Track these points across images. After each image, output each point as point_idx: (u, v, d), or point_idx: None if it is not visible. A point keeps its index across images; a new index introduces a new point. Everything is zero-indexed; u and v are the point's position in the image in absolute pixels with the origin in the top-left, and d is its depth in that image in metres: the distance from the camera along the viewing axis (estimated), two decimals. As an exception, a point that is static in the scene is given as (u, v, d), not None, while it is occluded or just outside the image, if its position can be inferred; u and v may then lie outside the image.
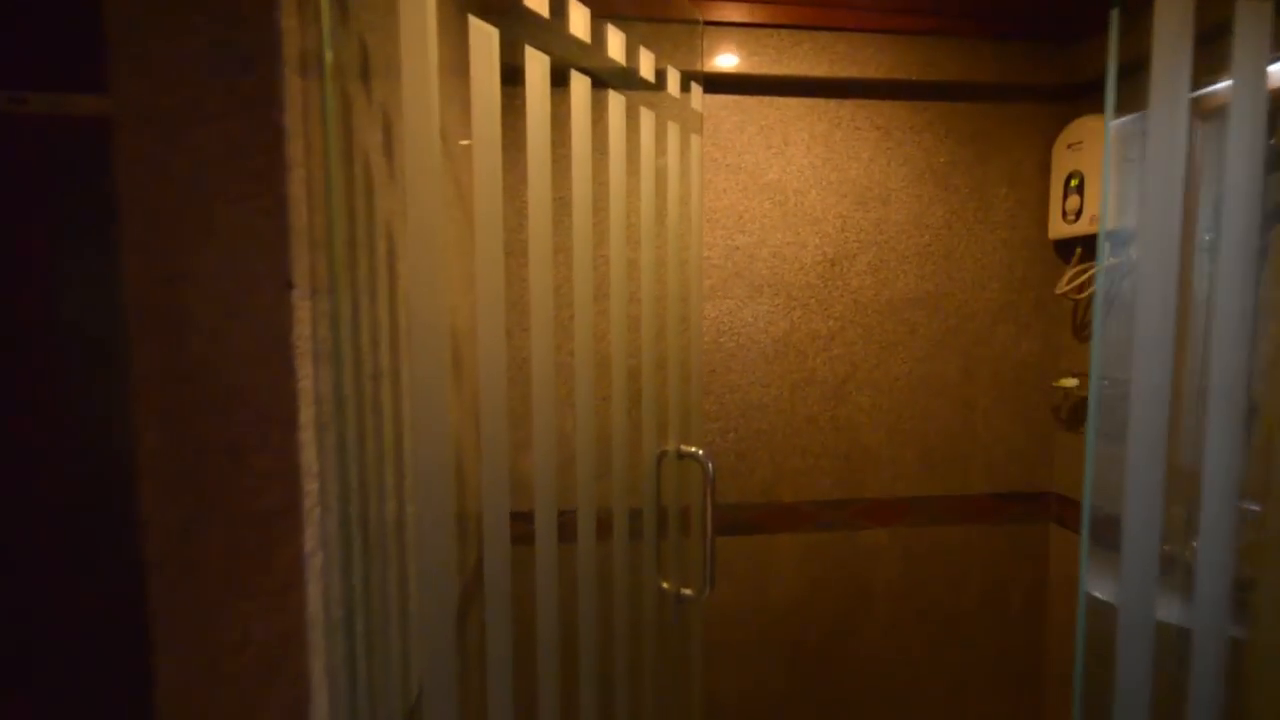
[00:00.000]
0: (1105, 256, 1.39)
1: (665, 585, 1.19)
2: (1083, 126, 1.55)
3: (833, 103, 1.62)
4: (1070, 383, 1.61)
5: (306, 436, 0.54)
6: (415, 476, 0.66)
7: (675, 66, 1.14)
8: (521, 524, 0.83)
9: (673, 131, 1.13)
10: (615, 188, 1.01)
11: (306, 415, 0.54)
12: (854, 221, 1.65)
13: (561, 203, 0.91)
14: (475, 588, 0.97)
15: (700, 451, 1.18)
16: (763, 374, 1.64)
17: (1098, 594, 0.91)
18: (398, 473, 0.80)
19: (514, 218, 1.47)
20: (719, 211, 1.61)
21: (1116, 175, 1.50)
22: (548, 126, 0.82)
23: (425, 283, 0.65)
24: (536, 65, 0.80)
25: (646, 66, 1.03)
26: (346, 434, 0.62)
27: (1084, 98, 1.63)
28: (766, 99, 1.61)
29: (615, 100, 0.96)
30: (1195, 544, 0.83)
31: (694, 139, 1.20)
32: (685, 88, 1.18)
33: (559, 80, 0.83)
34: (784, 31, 1.54)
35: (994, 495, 1.73)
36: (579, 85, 0.89)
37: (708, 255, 1.61)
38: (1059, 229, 1.63)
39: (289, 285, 0.51)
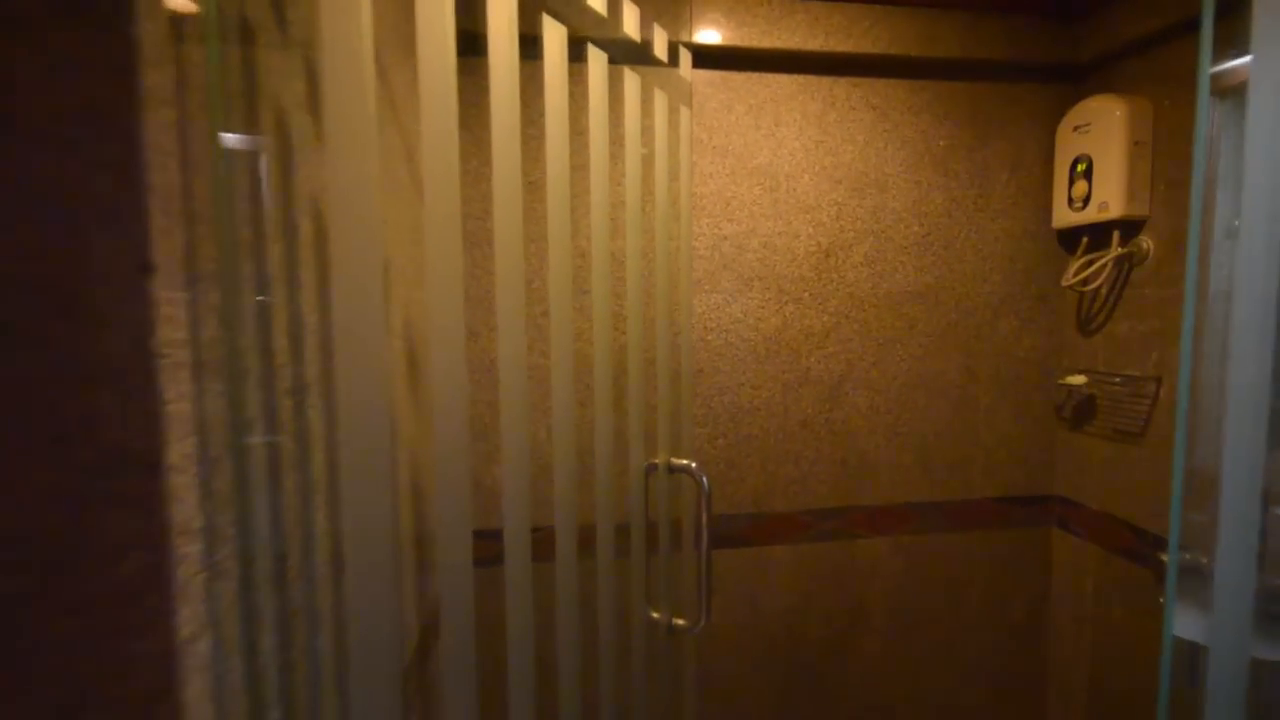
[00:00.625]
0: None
1: (655, 615, 1.06)
2: (1090, 107, 1.46)
3: (826, 80, 1.50)
4: (1077, 380, 1.52)
5: (182, 481, 0.39)
6: (349, 516, 0.51)
7: (661, 30, 1.00)
8: (490, 543, 0.70)
9: (660, 102, 0.99)
10: (596, 167, 0.87)
11: (181, 451, 0.39)
12: (849, 209, 1.53)
13: (532, 186, 0.76)
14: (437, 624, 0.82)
15: (693, 465, 1.04)
16: (753, 374, 1.52)
17: (1179, 634, 0.80)
18: (332, 512, 0.65)
19: (479, 203, 1.31)
20: (705, 198, 1.48)
21: (1126, 159, 1.41)
22: (516, 97, 0.67)
23: (360, 272, 0.51)
24: (502, 11, 0.66)
25: (630, 23, 0.89)
26: (250, 470, 0.47)
27: (1088, 78, 1.54)
28: (756, 75, 1.48)
29: (596, 58, 0.81)
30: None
31: (683, 112, 1.07)
32: (673, 55, 1.05)
33: (526, 44, 0.69)
34: (775, 0, 1.41)
35: (995, 499, 1.64)
36: (553, 39, 0.75)
37: (694, 245, 1.47)
38: (1064, 217, 1.53)
39: (146, 269, 0.36)
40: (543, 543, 0.81)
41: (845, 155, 1.52)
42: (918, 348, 1.58)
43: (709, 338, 1.50)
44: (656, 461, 1.04)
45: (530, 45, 0.71)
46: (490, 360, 1.37)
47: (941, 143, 1.55)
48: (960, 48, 1.49)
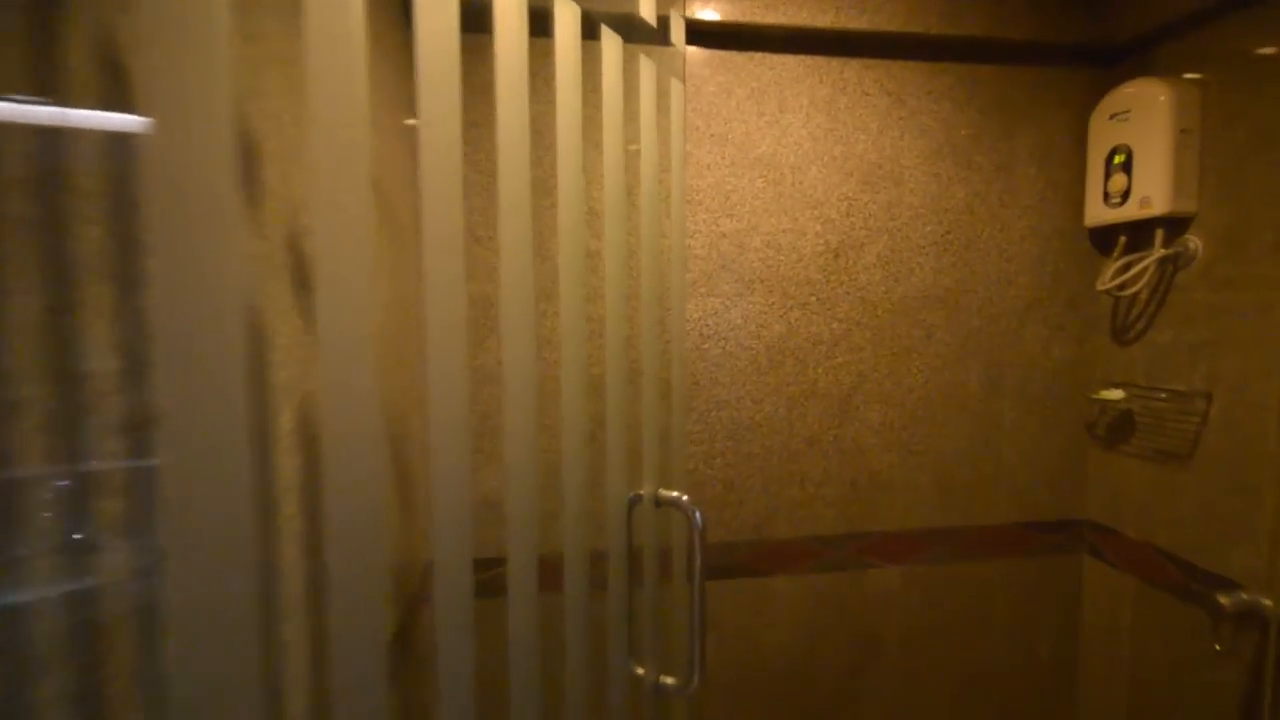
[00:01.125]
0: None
1: (640, 671, 0.91)
2: (1129, 93, 1.31)
3: (836, 62, 1.36)
4: (1114, 395, 1.37)
5: None
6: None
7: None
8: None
9: (646, 71, 0.85)
10: (565, 147, 0.73)
11: None
12: (861, 205, 1.39)
13: (480, 168, 0.62)
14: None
15: (684, 498, 0.90)
16: (755, 387, 1.37)
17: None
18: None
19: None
20: (702, 191, 1.33)
21: (1171, 150, 1.27)
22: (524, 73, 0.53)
23: (348, 279, 0.36)
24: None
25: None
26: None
27: (1125, 61, 1.39)
28: (758, 56, 1.33)
29: (566, 10, 0.67)
30: None
31: (675, 86, 0.92)
32: (663, 27, 0.90)
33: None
34: (780, -29, 1.27)
35: (1020, 525, 1.49)
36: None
37: (689, 243, 1.33)
38: (1098, 214, 1.39)
39: None
40: (492, 585, 0.67)
41: (857, 145, 1.38)
42: (936, 358, 1.43)
43: (706, 346, 1.35)
44: (642, 492, 0.90)
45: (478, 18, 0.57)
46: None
47: (963, 132, 1.41)
48: (984, 25, 1.34)
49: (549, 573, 0.71)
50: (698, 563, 0.87)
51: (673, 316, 1.01)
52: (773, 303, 1.37)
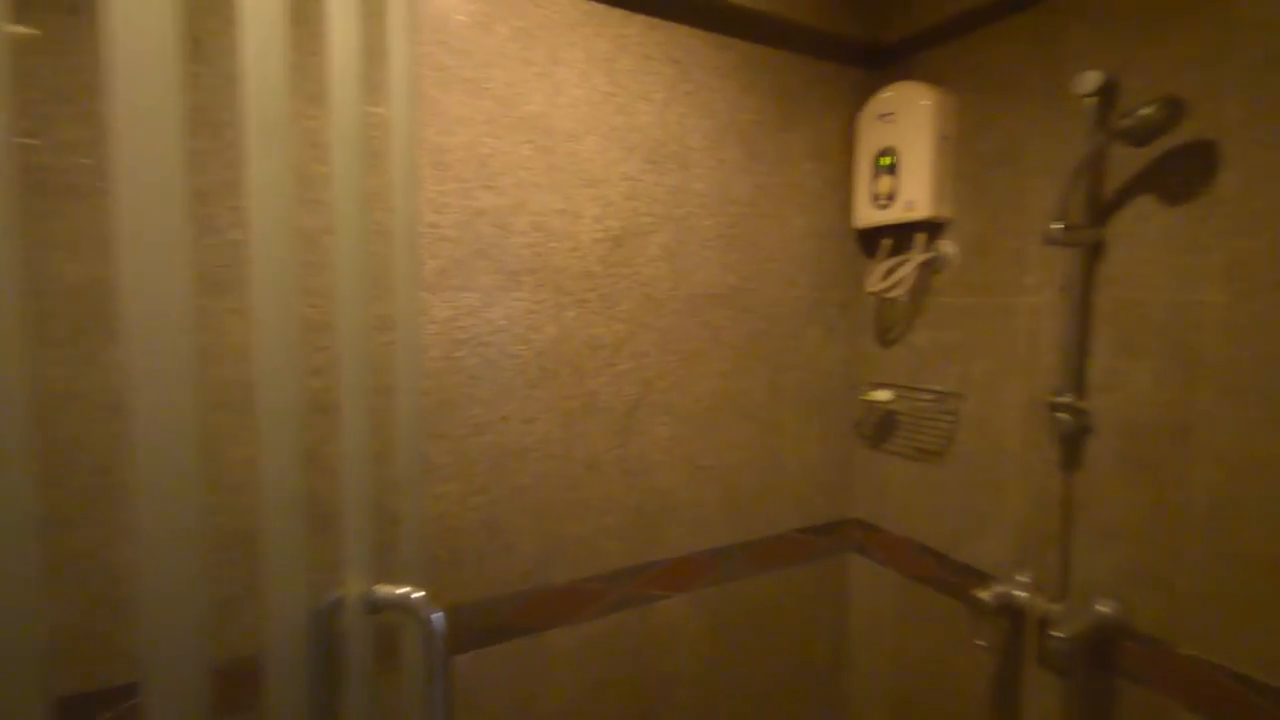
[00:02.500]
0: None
1: None
2: (896, 95, 1.31)
3: (617, 14, 1.14)
4: (882, 396, 1.38)
5: None
6: None
7: None
8: None
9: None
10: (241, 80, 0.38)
11: None
12: (645, 187, 1.20)
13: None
14: None
15: (417, 594, 0.60)
16: (524, 403, 1.11)
17: None
18: None
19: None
20: (452, 152, 1.02)
21: (934, 155, 1.28)
22: None
23: None
24: None
25: None
26: None
27: (893, 63, 1.40)
28: (523, -13, 1.06)
29: None
30: None
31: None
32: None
33: None
34: (548, -119, 1.01)
35: (799, 531, 1.45)
36: None
37: (433, 219, 1.01)
38: (867, 215, 1.38)
39: None
40: None
41: (640, 116, 1.18)
42: (723, 362, 1.31)
43: (459, 355, 1.05)
44: (344, 594, 0.58)
45: None
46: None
47: (747, 116, 1.29)
48: (768, 1, 1.23)
49: None
50: (439, 692, 0.58)
51: (404, 318, 0.70)
52: (544, 299, 1.11)
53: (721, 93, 1.26)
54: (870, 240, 1.44)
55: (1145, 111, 0.92)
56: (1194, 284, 0.95)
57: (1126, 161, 1.02)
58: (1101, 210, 1.05)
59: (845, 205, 1.43)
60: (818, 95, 1.37)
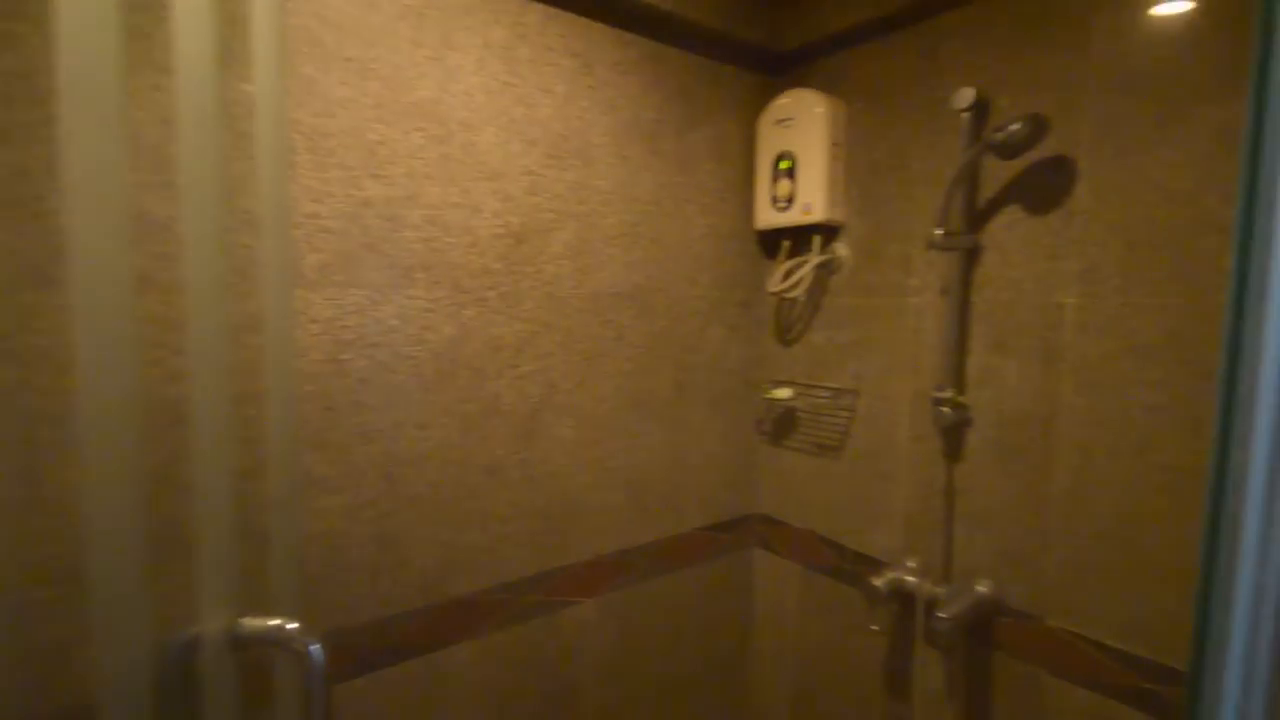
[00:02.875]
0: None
1: None
2: (793, 102, 1.34)
3: (515, 1, 1.10)
4: (783, 393, 1.42)
5: None
6: None
7: None
8: None
9: None
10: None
11: None
12: (547, 182, 1.16)
13: None
14: None
15: (295, 626, 0.54)
16: (419, 408, 1.04)
17: None
18: None
19: None
20: (334, 137, 0.94)
21: (828, 161, 1.33)
22: None
23: None
24: None
25: None
26: None
27: (789, 70, 1.44)
28: (413, -36, 0.99)
29: None
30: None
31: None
32: None
33: None
34: None
35: (707, 528, 1.47)
36: None
37: (312, 211, 0.93)
38: (767, 217, 1.41)
39: None
40: None
41: (541, 109, 1.14)
42: (627, 361, 1.29)
43: (346, 358, 0.97)
44: (201, 630, 0.51)
45: None
46: None
47: (650, 114, 1.29)
48: None
49: None
50: (316, 730, 0.53)
51: (272, 314, 0.63)
52: (440, 297, 1.05)
53: (624, 89, 1.24)
54: (770, 242, 1.48)
55: (1014, 127, 0.99)
56: (1054, 287, 1.04)
57: (998, 173, 1.10)
58: (977, 218, 1.13)
59: (747, 207, 1.46)
60: (720, 97, 1.39)
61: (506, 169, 1.11)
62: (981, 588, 1.12)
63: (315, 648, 0.53)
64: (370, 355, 0.99)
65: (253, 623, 0.53)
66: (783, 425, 1.50)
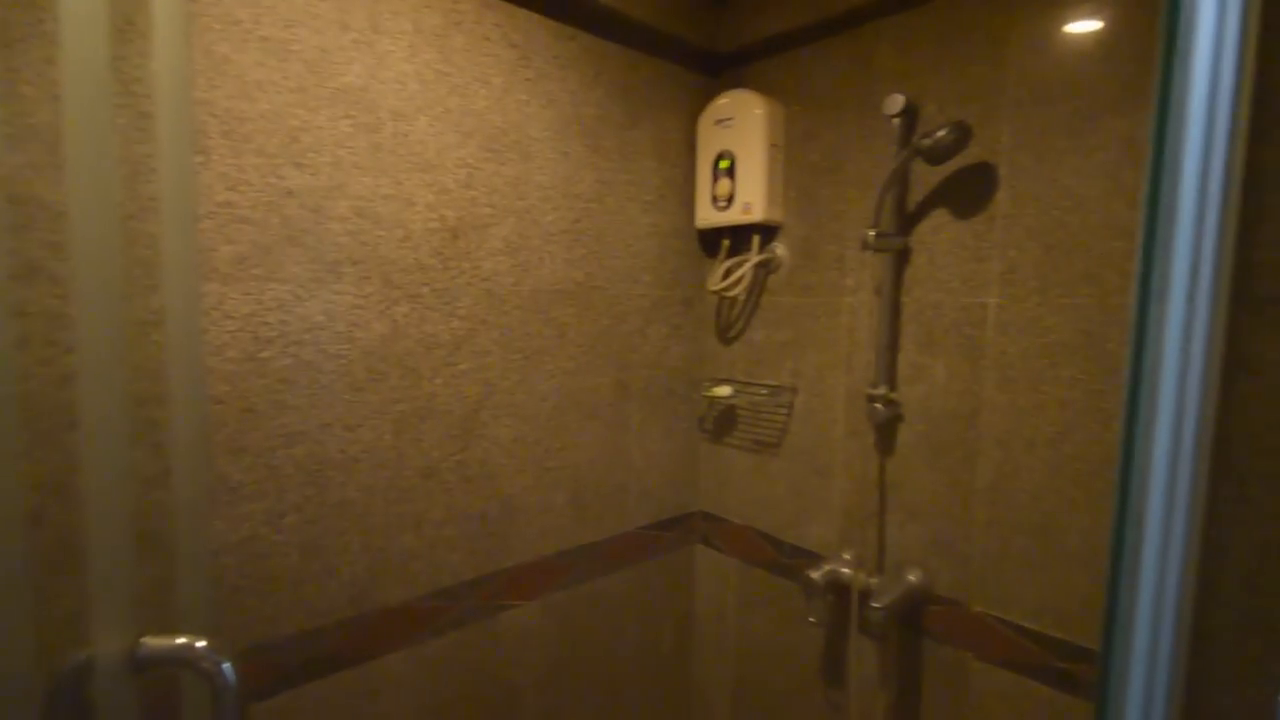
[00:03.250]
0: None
1: None
2: (732, 102, 1.36)
3: (450, -13, 1.07)
4: (723, 391, 1.43)
5: None
6: None
7: None
8: None
9: None
10: None
11: None
12: (485, 176, 1.13)
13: None
14: None
15: (203, 645, 0.50)
16: (347, 409, 1.00)
17: None
18: None
19: None
20: (251, 121, 0.88)
21: (767, 162, 1.35)
22: None
23: None
24: None
25: None
26: None
27: (727, 71, 1.46)
28: (339, -57, 0.95)
29: None
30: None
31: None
32: None
33: None
34: None
35: (649, 527, 1.47)
36: None
37: (229, 200, 0.87)
38: (707, 216, 1.42)
39: None
40: None
41: (478, 100, 1.11)
42: (569, 360, 1.28)
43: (266, 356, 0.91)
44: (92, 653, 0.47)
45: None
46: None
47: (591, 110, 1.27)
48: (612, -5, 1.22)
49: None
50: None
51: (176, 310, 0.58)
52: (370, 293, 1.01)
53: (564, 83, 1.22)
54: (711, 240, 1.49)
55: (940, 134, 1.03)
56: (977, 288, 1.09)
57: (927, 178, 1.14)
58: (907, 220, 1.17)
59: (688, 205, 1.47)
60: (660, 95, 1.39)
61: (441, 161, 1.07)
62: (912, 577, 1.16)
63: (226, 666, 0.50)
64: (294, 354, 0.94)
65: (156, 641, 0.49)
66: (723, 423, 1.51)
